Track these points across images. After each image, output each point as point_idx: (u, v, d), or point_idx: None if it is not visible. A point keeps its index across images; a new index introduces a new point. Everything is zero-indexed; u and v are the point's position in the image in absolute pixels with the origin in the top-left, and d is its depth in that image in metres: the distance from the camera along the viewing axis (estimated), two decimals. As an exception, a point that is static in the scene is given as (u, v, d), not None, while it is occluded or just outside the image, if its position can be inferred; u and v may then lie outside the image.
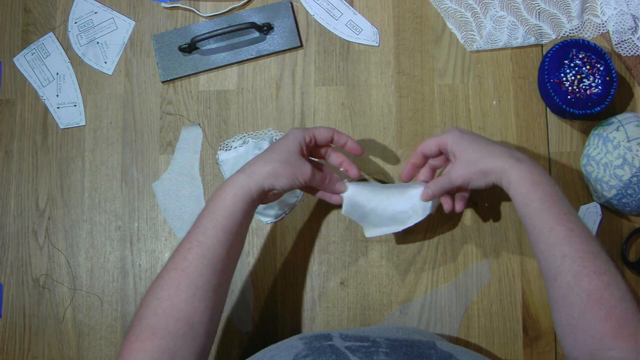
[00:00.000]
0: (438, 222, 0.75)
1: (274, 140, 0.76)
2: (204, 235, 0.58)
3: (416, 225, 0.67)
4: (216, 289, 0.57)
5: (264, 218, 0.76)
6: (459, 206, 0.68)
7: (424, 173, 0.70)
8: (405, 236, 0.74)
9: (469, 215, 0.75)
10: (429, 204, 0.66)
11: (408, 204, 0.66)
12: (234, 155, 0.76)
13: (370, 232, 0.69)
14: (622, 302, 0.51)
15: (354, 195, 0.67)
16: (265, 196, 0.63)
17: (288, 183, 0.61)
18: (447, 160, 0.67)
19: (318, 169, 0.67)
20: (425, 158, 0.68)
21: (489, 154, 0.61)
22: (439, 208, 0.70)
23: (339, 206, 0.71)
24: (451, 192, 0.68)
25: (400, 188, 0.68)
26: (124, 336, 0.75)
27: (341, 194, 0.68)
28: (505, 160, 0.60)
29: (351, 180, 0.70)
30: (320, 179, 0.65)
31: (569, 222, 0.55)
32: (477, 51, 0.78)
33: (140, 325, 0.54)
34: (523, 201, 0.58)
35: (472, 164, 0.61)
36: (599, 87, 0.71)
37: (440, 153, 0.66)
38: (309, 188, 0.67)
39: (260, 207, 0.73)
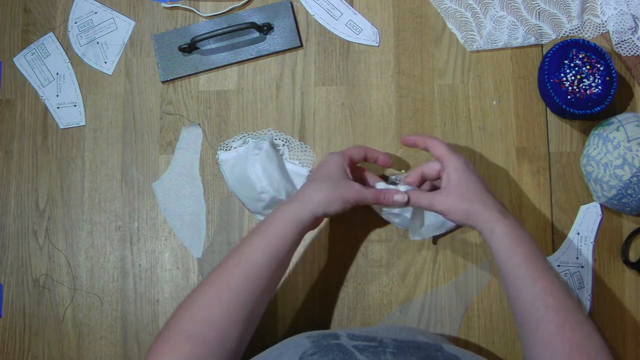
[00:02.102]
0: (438, 222, 0.75)
1: (274, 141, 0.77)
2: (252, 254, 0.59)
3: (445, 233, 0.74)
4: (254, 308, 0.58)
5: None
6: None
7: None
8: (405, 236, 0.74)
9: (469, 215, 0.75)
10: None
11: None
12: (234, 155, 0.76)
13: (415, 235, 0.72)
14: (601, 352, 0.54)
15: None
16: (317, 222, 0.65)
17: (339, 207, 0.63)
18: (438, 176, 0.68)
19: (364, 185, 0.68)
20: (426, 150, 0.68)
21: (481, 200, 0.62)
22: None
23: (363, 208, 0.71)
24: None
25: None
26: (123, 336, 0.76)
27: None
28: (494, 212, 0.61)
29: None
30: (372, 195, 0.65)
31: (550, 277, 0.58)
32: (477, 51, 0.78)
33: (176, 327, 0.55)
34: (506, 254, 0.60)
35: (462, 201, 0.62)
36: (599, 87, 0.71)
37: (439, 160, 0.67)
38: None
39: (260, 207, 0.73)
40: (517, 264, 0.58)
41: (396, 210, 0.68)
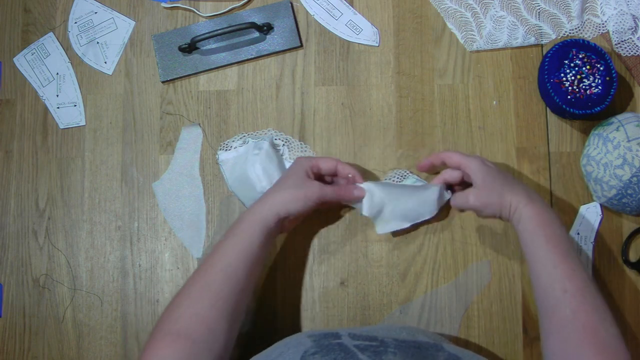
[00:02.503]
0: (438, 222, 0.75)
1: (274, 141, 0.77)
2: (225, 256, 0.62)
3: (423, 222, 0.72)
4: (235, 305, 0.60)
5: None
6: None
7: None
8: (405, 236, 0.74)
9: (469, 215, 0.75)
10: (436, 204, 0.71)
11: (418, 203, 0.70)
12: (234, 155, 0.76)
13: (382, 229, 0.71)
14: (615, 339, 0.54)
15: (373, 194, 0.69)
16: (282, 224, 0.66)
17: (300, 205, 0.65)
18: (462, 181, 0.71)
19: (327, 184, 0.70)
20: (444, 165, 0.71)
21: (510, 189, 0.65)
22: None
23: (342, 206, 0.71)
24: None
25: (411, 187, 0.71)
26: (123, 336, 0.76)
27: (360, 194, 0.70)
28: (521, 198, 0.63)
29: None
30: (333, 192, 0.67)
31: (571, 262, 0.59)
32: (477, 51, 0.78)
33: (166, 327, 0.57)
34: (530, 237, 0.62)
35: (495, 195, 0.65)
36: (599, 87, 0.71)
37: (458, 168, 0.70)
38: (327, 204, 0.69)
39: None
40: (539, 247, 0.60)
41: (357, 205, 0.70)
